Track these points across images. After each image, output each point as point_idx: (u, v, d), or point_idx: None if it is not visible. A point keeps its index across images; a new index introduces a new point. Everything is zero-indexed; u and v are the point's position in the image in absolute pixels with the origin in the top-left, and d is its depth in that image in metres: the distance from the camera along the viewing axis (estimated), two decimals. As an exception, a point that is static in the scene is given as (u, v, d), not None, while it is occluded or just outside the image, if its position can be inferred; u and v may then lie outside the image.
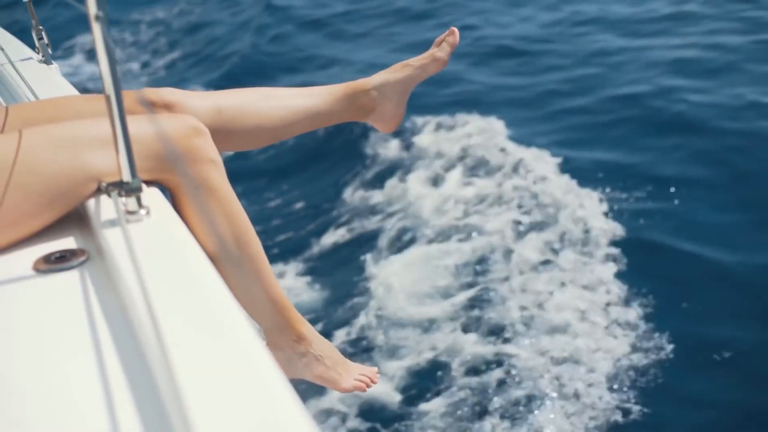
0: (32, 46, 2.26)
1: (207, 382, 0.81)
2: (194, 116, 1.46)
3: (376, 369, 1.76)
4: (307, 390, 3.42)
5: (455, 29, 1.82)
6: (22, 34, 2.48)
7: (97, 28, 1.05)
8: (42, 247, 1.21)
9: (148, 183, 1.33)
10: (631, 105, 5.78)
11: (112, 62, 1.08)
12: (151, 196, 1.23)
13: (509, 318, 4.02)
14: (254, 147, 1.75)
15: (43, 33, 2.18)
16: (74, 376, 0.93)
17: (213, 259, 1.41)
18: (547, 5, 8.09)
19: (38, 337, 1.01)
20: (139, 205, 1.15)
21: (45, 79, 2.00)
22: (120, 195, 1.16)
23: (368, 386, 1.71)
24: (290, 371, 1.65)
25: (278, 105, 1.74)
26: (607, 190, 4.85)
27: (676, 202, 4.61)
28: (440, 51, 1.81)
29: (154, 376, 0.89)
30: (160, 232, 1.13)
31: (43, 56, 2.19)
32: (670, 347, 3.62)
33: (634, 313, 3.86)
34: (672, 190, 4.70)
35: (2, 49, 2.22)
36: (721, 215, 4.40)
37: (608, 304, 3.97)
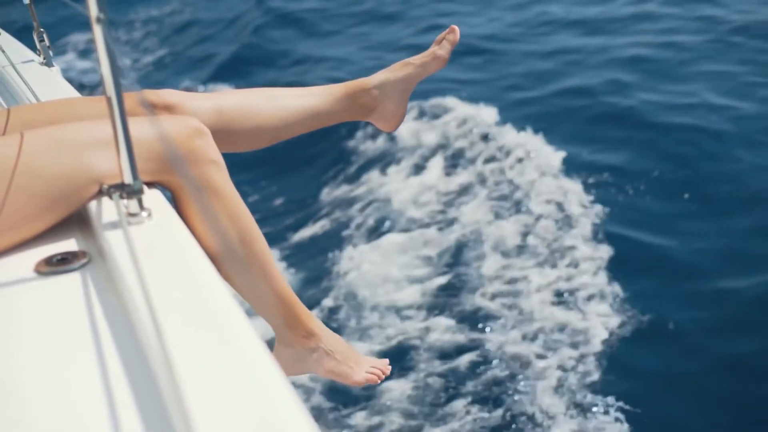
0: (33, 48, 2.27)
1: (208, 384, 0.80)
2: (195, 117, 1.46)
3: (387, 361, 1.76)
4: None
5: (455, 27, 1.82)
6: (19, 33, 2.49)
7: (98, 30, 1.05)
8: (43, 249, 1.21)
9: (150, 184, 1.33)
10: (584, 98, 6.03)
11: (113, 64, 1.08)
12: (153, 198, 1.23)
13: (480, 304, 4.20)
14: (255, 147, 1.75)
15: (45, 35, 2.18)
16: (75, 378, 0.93)
17: (218, 259, 1.42)
18: (515, 5, 8.32)
19: (40, 339, 1.00)
20: (141, 207, 1.15)
21: (46, 81, 2.01)
22: (121, 197, 1.16)
23: (380, 378, 1.72)
24: (301, 367, 1.65)
25: (279, 105, 1.74)
26: (563, 179, 5.07)
27: (624, 190, 4.83)
28: (441, 49, 1.81)
29: (156, 377, 0.89)
30: (161, 234, 1.13)
31: (44, 58, 2.19)
32: (626, 326, 3.87)
33: (595, 298, 4.06)
34: (617, 179, 4.94)
35: (3, 51, 2.22)
36: (666, 204, 4.67)
37: (568, 290, 4.17)
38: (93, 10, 1.04)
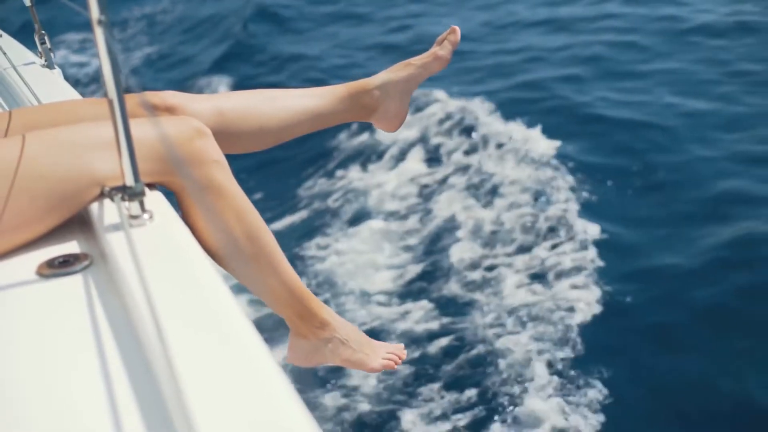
0: (34, 50, 2.27)
1: (210, 386, 0.80)
2: (197, 119, 1.46)
3: (402, 345, 1.77)
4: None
5: (456, 28, 1.82)
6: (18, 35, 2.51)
7: (99, 32, 1.05)
8: (45, 251, 1.21)
9: (152, 185, 1.33)
10: (539, 93, 6.29)
11: (115, 66, 1.08)
12: (154, 200, 1.23)
13: (456, 291, 4.34)
14: (257, 149, 1.75)
15: (46, 37, 2.19)
16: (77, 381, 0.92)
17: (226, 257, 1.44)
18: (485, 5, 8.53)
19: (41, 341, 1.00)
20: (142, 209, 1.15)
21: (47, 83, 2.01)
22: (123, 199, 1.16)
23: (397, 363, 1.72)
24: (317, 358, 1.66)
25: (281, 106, 1.73)
26: (528, 167, 5.32)
27: (582, 180, 5.08)
28: (442, 50, 1.81)
29: (158, 380, 0.88)
30: (163, 237, 1.13)
31: (45, 60, 2.19)
32: (589, 304, 4.09)
33: (566, 288, 4.23)
34: (576, 169, 5.20)
35: (5, 53, 2.22)
36: (619, 192, 4.94)
37: (537, 273, 4.37)
38: (94, 12, 1.04)
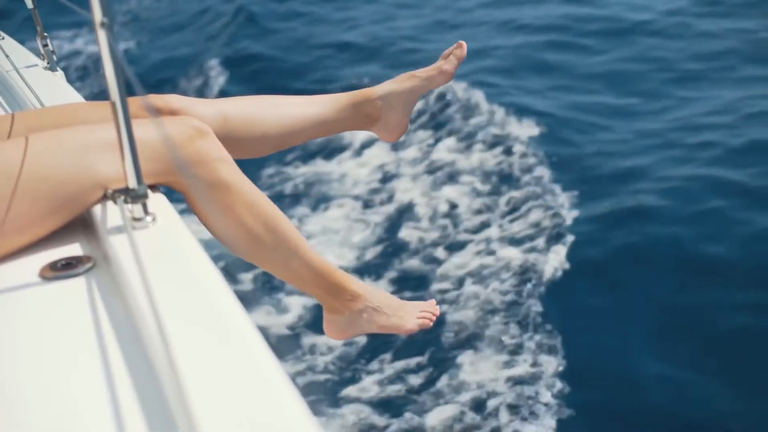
0: (37, 52, 2.27)
1: (214, 389, 0.80)
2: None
3: (434, 301, 1.79)
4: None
5: (463, 43, 1.83)
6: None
7: (102, 34, 1.05)
8: (48, 254, 1.21)
9: (155, 187, 1.34)
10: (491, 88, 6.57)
11: (118, 69, 1.08)
12: (157, 202, 1.23)
13: (417, 267, 4.53)
14: (258, 155, 1.75)
15: (48, 40, 2.19)
16: (81, 384, 0.92)
17: (247, 250, 1.47)
18: (438, 6, 8.70)
19: (44, 344, 1.00)
20: (145, 211, 1.15)
21: (50, 86, 2.01)
22: (126, 202, 1.16)
23: (431, 320, 1.75)
24: (354, 329, 1.69)
25: (284, 113, 1.74)
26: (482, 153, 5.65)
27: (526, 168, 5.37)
28: (447, 64, 1.82)
29: (161, 383, 0.88)
30: (166, 239, 1.13)
31: (48, 63, 2.19)
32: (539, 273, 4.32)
33: (522, 257, 4.47)
34: (523, 160, 5.46)
35: (7, 56, 2.22)
36: (561, 177, 5.20)
37: (494, 251, 4.58)
38: (97, 15, 1.04)
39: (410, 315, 1.73)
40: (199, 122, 1.42)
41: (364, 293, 1.66)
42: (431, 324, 1.75)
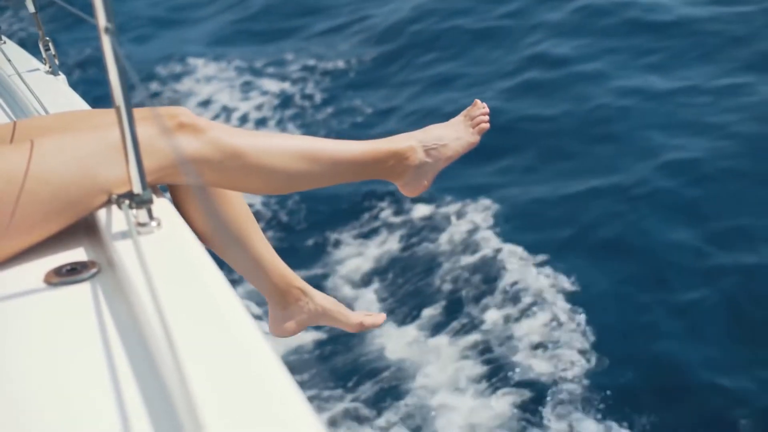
0: (39, 57, 2.27)
1: (221, 394, 0.80)
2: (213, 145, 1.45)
3: (477, 101, 1.81)
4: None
5: (383, 317, 1.92)
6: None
7: (106, 40, 1.05)
8: (52, 259, 1.21)
9: (158, 190, 1.34)
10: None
11: (122, 74, 1.08)
12: (162, 207, 1.23)
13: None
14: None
15: (50, 44, 2.19)
16: (86, 390, 0.92)
17: (292, 186, 1.57)
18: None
19: (49, 349, 1.00)
20: (150, 216, 1.15)
21: (52, 90, 2.01)
22: (131, 207, 1.16)
23: (486, 120, 1.78)
24: (425, 176, 1.74)
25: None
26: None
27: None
28: (365, 320, 1.89)
29: (168, 388, 0.88)
30: (171, 244, 1.12)
31: (50, 67, 2.19)
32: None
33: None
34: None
35: (9, 61, 2.22)
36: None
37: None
38: (101, 20, 1.04)
39: (465, 129, 1.76)
40: (184, 112, 1.43)
41: (414, 143, 1.70)
42: (488, 125, 1.77)
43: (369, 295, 4.42)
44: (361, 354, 3.94)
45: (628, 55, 6.33)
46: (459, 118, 1.78)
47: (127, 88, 1.09)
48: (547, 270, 4.26)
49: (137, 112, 1.17)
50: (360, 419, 3.60)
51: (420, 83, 6.75)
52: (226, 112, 7.09)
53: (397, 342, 3.97)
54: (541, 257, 4.36)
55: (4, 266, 1.22)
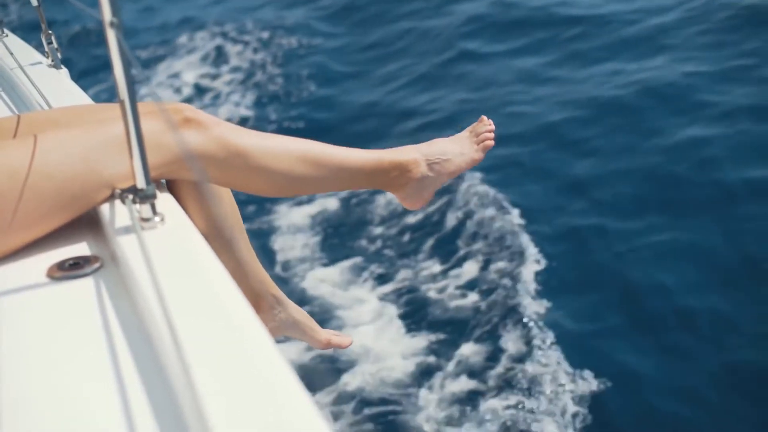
0: (41, 50, 2.27)
1: (225, 389, 0.80)
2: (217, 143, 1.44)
3: (483, 117, 1.81)
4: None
5: (350, 340, 1.93)
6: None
7: (111, 34, 1.05)
8: (55, 253, 1.21)
9: (160, 184, 1.34)
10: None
11: (127, 68, 1.07)
12: (166, 202, 1.22)
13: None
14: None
15: (53, 37, 2.18)
16: (89, 384, 0.92)
17: (293, 189, 1.57)
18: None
19: (52, 344, 1.00)
20: (154, 212, 1.15)
21: (55, 83, 2.01)
22: (134, 202, 1.15)
23: (492, 138, 1.78)
24: (428, 189, 1.75)
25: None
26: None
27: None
28: (333, 339, 1.90)
29: (172, 383, 0.88)
30: (174, 239, 1.12)
31: (52, 60, 2.19)
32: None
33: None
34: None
35: (12, 54, 2.22)
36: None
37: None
38: (106, 14, 1.03)
39: (469, 145, 1.76)
40: (188, 107, 1.43)
41: (418, 155, 1.70)
42: (493, 142, 1.77)
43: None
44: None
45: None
46: (464, 134, 1.78)
47: (132, 82, 1.09)
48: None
49: (141, 106, 1.17)
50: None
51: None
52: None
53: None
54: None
55: (6, 260, 1.21)
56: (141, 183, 1.13)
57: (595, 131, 5.33)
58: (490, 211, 4.74)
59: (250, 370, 0.84)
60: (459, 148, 1.74)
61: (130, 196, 1.17)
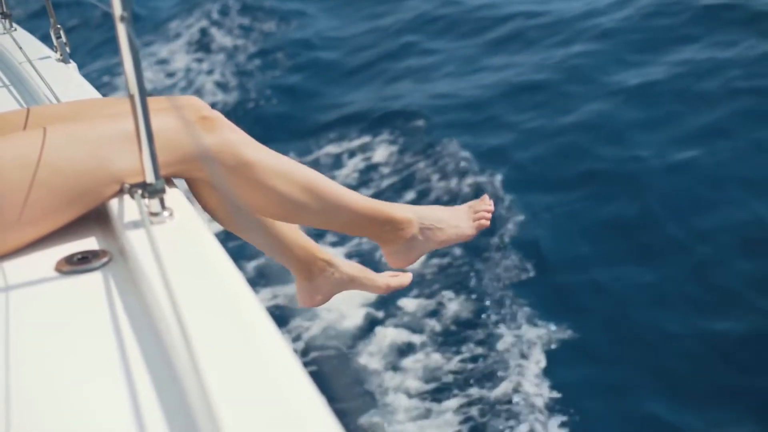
0: (50, 44, 2.27)
1: (234, 383, 0.80)
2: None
3: (486, 197, 1.83)
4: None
5: (410, 276, 1.90)
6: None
7: (121, 28, 1.05)
8: (64, 248, 1.21)
9: (171, 181, 1.33)
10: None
11: (137, 62, 1.07)
12: (175, 197, 1.22)
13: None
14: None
15: (62, 32, 2.18)
16: (97, 379, 0.92)
17: (289, 216, 1.54)
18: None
19: (60, 338, 1.00)
20: (163, 206, 1.15)
21: (63, 78, 2.01)
22: (143, 196, 1.15)
23: (488, 219, 1.80)
24: (415, 253, 1.77)
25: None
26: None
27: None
28: (391, 281, 1.87)
29: (180, 378, 0.88)
30: (183, 234, 1.12)
31: (61, 54, 2.19)
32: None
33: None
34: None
35: (20, 48, 2.22)
36: None
37: None
38: (117, 9, 1.03)
39: (465, 221, 1.77)
40: (204, 106, 1.42)
41: (414, 217, 1.70)
42: (488, 223, 1.79)
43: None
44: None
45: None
46: (463, 208, 1.80)
47: (141, 76, 1.09)
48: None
49: (152, 101, 1.17)
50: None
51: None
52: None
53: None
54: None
55: (14, 254, 1.21)
56: (150, 177, 1.13)
57: (506, 108, 5.73)
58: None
59: (259, 364, 0.84)
60: (455, 221, 1.76)
61: (139, 191, 1.16)
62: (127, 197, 1.24)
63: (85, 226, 1.26)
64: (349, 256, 4.48)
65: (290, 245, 1.74)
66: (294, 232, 1.74)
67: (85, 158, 1.24)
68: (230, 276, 1.00)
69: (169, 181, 1.33)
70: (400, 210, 1.69)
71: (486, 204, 1.80)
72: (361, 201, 1.60)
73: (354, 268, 1.84)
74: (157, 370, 0.92)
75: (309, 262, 1.78)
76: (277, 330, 0.88)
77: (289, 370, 0.82)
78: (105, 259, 1.15)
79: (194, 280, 0.99)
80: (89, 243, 1.22)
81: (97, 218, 1.28)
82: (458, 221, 1.76)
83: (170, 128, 1.31)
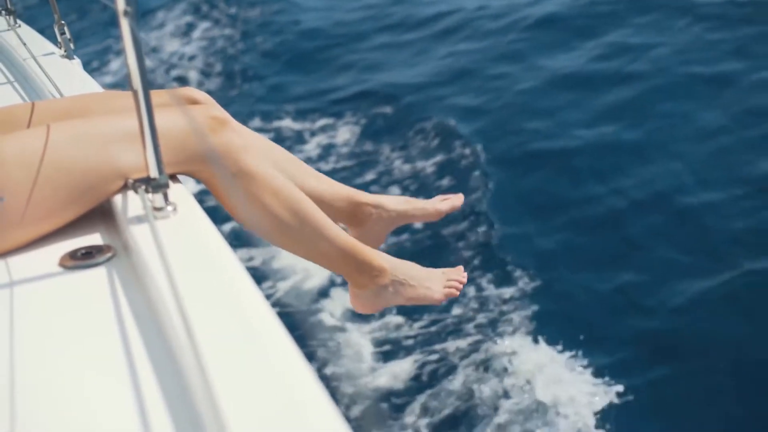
0: (54, 40, 2.27)
1: (238, 378, 0.80)
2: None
3: (461, 267, 1.83)
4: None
5: (462, 196, 1.94)
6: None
7: (125, 23, 1.05)
8: (68, 243, 1.21)
9: (175, 176, 1.34)
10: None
11: (140, 58, 1.07)
12: (178, 192, 1.22)
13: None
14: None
15: (66, 28, 2.18)
16: (102, 374, 0.92)
17: (273, 234, 1.51)
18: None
19: (64, 333, 1.00)
20: (166, 201, 1.15)
21: (67, 74, 2.01)
22: (147, 191, 1.16)
23: (458, 289, 1.80)
24: (381, 303, 1.74)
25: (305, 173, 1.73)
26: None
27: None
28: (442, 205, 1.90)
29: (184, 373, 0.88)
30: (186, 229, 1.12)
31: (65, 51, 2.19)
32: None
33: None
34: None
35: (24, 44, 2.22)
36: None
37: None
38: (120, 4, 1.04)
39: (437, 284, 1.77)
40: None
41: (390, 267, 1.70)
42: (458, 293, 1.79)
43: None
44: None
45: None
46: (438, 272, 1.80)
47: (145, 72, 1.09)
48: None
49: (155, 96, 1.17)
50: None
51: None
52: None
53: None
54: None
55: (19, 248, 1.22)
56: (154, 172, 1.13)
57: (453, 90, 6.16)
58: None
59: (263, 358, 0.84)
60: (427, 282, 1.77)
61: (143, 186, 1.17)
62: (131, 192, 1.24)
63: (89, 222, 1.27)
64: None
65: (329, 201, 1.76)
66: (329, 186, 1.77)
67: (89, 155, 1.24)
68: (234, 270, 1.00)
69: (173, 176, 1.33)
70: (378, 257, 1.69)
71: (459, 275, 1.80)
72: (343, 237, 1.60)
73: (403, 203, 1.87)
74: (161, 364, 0.92)
75: (354, 211, 1.80)
76: (280, 324, 0.88)
77: (292, 364, 0.82)
78: (109, 255, 1.15)
79: (198, 275, 1.00)
80: (93, 238, 1.22)
81: (101, 213, 1.28)
82: (430, 283, 1.76)
83: (179, 127, 1.32)
